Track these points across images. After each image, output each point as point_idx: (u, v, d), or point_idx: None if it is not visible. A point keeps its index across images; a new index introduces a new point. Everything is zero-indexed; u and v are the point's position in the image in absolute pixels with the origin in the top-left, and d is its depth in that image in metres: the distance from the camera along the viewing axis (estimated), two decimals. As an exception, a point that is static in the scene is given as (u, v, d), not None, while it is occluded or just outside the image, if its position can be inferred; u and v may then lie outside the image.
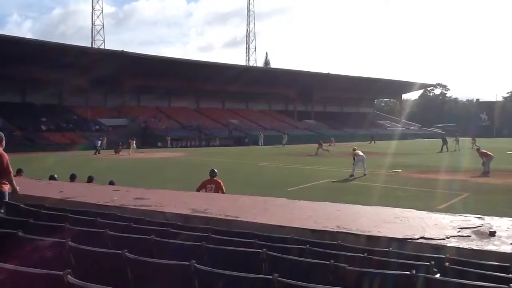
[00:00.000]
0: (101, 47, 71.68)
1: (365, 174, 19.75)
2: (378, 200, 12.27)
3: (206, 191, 9.99)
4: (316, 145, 37.88)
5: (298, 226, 5.76)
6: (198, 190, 10.19)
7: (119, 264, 2.85)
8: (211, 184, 10.21)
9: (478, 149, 23.20)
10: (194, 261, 2.69)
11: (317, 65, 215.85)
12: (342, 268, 3.07)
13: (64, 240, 3.19)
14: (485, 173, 20.19)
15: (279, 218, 6.29)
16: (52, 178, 12.20)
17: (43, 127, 46.34)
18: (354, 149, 20.93)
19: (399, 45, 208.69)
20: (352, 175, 19.44)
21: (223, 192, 10.03)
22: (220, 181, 10.38)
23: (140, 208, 6.95)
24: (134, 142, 40.18)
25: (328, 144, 42.30)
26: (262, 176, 20.40)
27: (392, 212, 6.81)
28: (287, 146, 46.97)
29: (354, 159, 20.31)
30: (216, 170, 10.63)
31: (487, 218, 6.24)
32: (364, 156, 20.55)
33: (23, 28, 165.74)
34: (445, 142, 38.71)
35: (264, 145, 49.78)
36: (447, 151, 37.03)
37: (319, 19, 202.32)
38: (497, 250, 4.73)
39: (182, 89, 62.54)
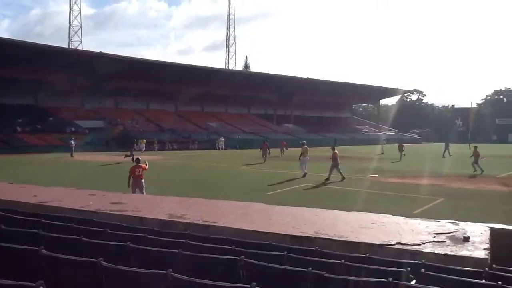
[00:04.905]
0: (78, 48, 70.68)
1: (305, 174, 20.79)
2: (355, 205, 12.36)
3: (136, 174, 13.03)
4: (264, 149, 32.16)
5: (276, 232, 5.76)
6: (130, 174, 13.12)
7: (95, 273, 2.79)
8: (138, 168, 13.17)
9: (333, 147, 21.60)
10: (171, 269, 2.65)
11: (297, 69, 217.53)
12: (320, 275, 3.08)
13: (37, 248, 3.11)
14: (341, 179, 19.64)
15: (257, 224, 6.28)
16: None
17: (18, 128, 45.26)
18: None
19: (378, 51, 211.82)
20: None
21: (145, 170, 13.35)
22: (143, 164, 13.47)
23: (116, 213, 6.85)
24: (144, 143, 41.86)
25: (280, 148, 38.85)
26: (239, 180, 20.35)
27: (369, 217, 6.87)
28: (225, 151, 46.46)
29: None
30: (140, 158, 14.09)
31: (461, 223, 6.35)
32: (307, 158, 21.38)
33: (0, 27, 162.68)
34: (447, 146, 38.68)
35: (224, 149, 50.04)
36: (450, 155, 36.83)
37: (298, 24, 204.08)
38: (471, 256, 4.82)
39: (161, 92, 62.11)
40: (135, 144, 36.38)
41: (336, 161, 20.31)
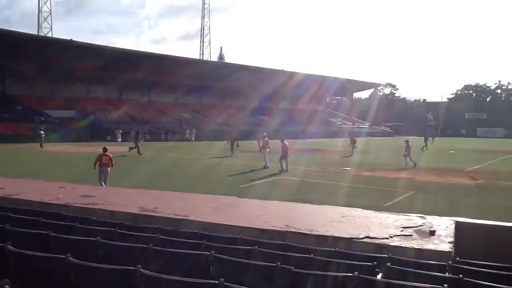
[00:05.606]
0: (48, 35, 68.85)
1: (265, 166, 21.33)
2: (327, 198, 12.53)
3: (103, 162, 13.68)
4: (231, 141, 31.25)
5: (248, 226, 5.80)
6: (96, 161, 13.78)
7: (63, 269, 2.77)
8: (105, 156, 13.81)
9: (282, 139, 21.81)
10: (140, 266, 2.66)
11: (272, 61, 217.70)
12: (288, 270, 3.13)
13: (3, 244, 3.05)
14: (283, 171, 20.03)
15: (229, 217, 6.30)
16: None
17: (-17, 117, 43.85)
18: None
19: (352, 45, 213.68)
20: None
21: (112, 161, 13.92)
22: (110, 154, 14.08)
23: (86, 206, 6.76)
24: (120, 133, 43.26)
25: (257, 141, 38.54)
26: (212, 173, 20.30)
27: (339, 211, 6.99)
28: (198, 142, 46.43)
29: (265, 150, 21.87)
30: (107, 147, 14.47)
31: (428, 217, 6.53)
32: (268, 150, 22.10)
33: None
34: (426, 140, 39.69)
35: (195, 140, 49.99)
36: (427, 149, 37.67)
37: (274, 15, 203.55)
38: (436, 249, 4.98)
39: (134, 81, 60.98)
40: (140, 136, 35.24)
41: (285, 153, 20.46)
